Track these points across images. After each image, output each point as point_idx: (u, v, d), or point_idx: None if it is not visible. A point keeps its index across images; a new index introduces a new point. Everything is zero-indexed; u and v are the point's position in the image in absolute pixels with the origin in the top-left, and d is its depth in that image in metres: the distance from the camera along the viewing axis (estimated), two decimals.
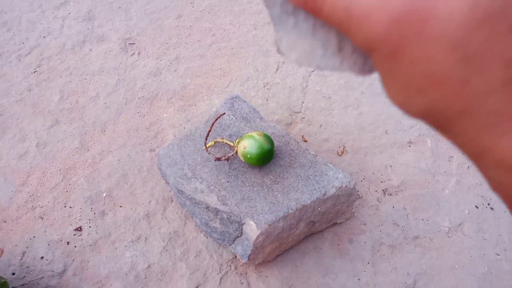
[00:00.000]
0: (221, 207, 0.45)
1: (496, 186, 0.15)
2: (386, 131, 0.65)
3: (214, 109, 0.54)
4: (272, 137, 0.50)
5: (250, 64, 0.72)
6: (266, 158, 0.46)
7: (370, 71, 0.18)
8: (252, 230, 0.44)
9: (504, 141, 0.13)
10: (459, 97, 0.13)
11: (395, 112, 0.67)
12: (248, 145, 0.45)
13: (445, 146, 0.63)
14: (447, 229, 0.56)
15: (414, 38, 0.13)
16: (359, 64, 0.18)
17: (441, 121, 0.15)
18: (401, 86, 0.15)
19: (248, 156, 0.45)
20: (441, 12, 0.13)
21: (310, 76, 0.71)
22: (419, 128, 0.66)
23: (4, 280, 0.43)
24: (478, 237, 0.56)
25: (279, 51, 0.21)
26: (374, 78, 0.72)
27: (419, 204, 0.58)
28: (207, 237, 0.53)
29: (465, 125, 0.14)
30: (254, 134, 0.46)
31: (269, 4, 0.20)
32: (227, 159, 0.46)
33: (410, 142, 0.64)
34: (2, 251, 0.43)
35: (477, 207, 0.58)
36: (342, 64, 0.19)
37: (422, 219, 0.57)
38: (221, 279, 0.51)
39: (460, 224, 0.57)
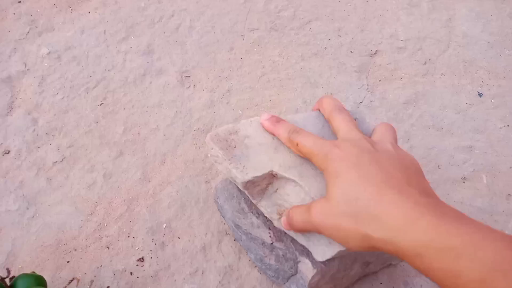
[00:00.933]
0: (277, 244, 0.47)
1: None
2: (438, 166, 0.64)
3: None
4: None
5: (299, 95, 0.74)
6: None
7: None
8: (307, 269, 0.45)
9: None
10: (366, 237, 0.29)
11: (448, 145, 0.67)
12: None
13: (502, 183, 0.62)
14: None
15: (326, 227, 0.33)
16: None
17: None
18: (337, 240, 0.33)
19: None
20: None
21: (358, 107, 0.72)
22: (473, 163, 0.65)
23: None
24: None
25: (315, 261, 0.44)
26: (424, 111, 0.71)
27: None
28: (261, 274, 0.55)
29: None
30: None
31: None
32: None
33: (464, 178, 0.63)
34: (78, 280, 0.47)
35: None
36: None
37: None
38: None
39: None
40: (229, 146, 0.42)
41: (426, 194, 0.29)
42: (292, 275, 0.49)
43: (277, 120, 0.41)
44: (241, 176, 0.40)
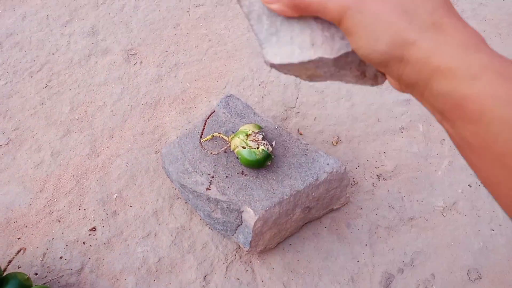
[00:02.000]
0: (221, 197, 0.48)
1: (483, 176, 0.20)
2: (378, 119, 0.67)
3: (211, 109, 0.58)
4: (265, 130, 0.54)
5: (245, 65, 0.75)
6: (255, 165, 0.49)
7: (339, 50, 0.25)
8: (250, 216, 0.47)
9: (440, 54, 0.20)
10: (404, 35, 0.21)
11: (387, 101, 0.70)
12: (241, 149, 0.49)
13: (437, 130, 0.66)
14: (441, 208, 0.59)
15: (371, 1, 0.22)
16: (329, 45, 0.26)
17: (395, 62, 0.22)
18: (364, 39, 0.22)
19: (239, 157, 0.49)
20: None
21: None
22: (410, 114, 0.68)
23: (27, 276, 0.48)
24: (473, 214, 0.58)
25: (266, 62, 0.27)
26: None
27: (413, 186, 0.60)
28: (211, 230, 0.56)
29: (414, 55, 0.21)
30: (248, 129, 0.50)
31: (258, 31, 0.27)
32: (218, 153, 0.50)
33: (402, 128, 0.66)
34: (25, 249, 0.47)
35: (470, 186, 0.60)
36: (316, 53, 0.26)
37: (417, 201, 0.59)
38: (227, 268, 0.54)
39: (454, 203, 0.59)
40: None
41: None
42: (238, 225, 0.50)
43: None
44: None
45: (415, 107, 0.69)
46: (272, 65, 0.28)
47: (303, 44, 0.27)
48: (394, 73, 0.23)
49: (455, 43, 0.21)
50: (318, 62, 0.27)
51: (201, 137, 0.51)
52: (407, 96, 0.71)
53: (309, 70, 0.28)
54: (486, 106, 0.19)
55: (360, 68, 0.28)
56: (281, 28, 0.27)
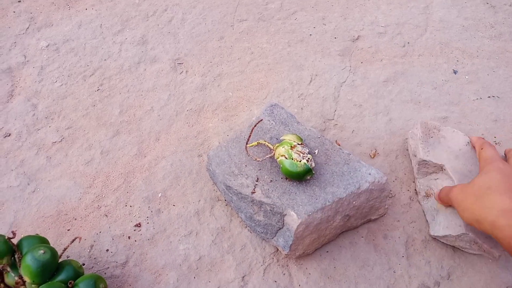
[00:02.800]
0: (265, 200, 0.50)
1: None
2: None
3: (254, 118, 0.61)
4: (307, 140, 0.56)
5: (286, 77, 0.78)
6: (295, 177, 0.51)
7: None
8: (293, 220, 0.49)
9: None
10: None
11: (425, 117, 0.71)
12: (284, 159, 0.51)
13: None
14: None
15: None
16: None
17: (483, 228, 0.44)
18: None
19: (280, 166, 0.51)
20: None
21: (341, 86, 0.76)
22: None
23: (80, 264, 0.51)
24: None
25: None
26: (403, 87, 0.76)
27: None
28: (251, 233, 0.58)
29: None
30: (292, 140, 0.52)
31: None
32: (262, 160, 0.52)
33: None
34: (80, 238, 0.51)
35: None
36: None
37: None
38: (264, 270, 0.56)
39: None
40: (428, 134, 0.60)
41: None
42: (279, 228, 0.52)
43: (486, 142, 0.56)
44: (423, 154, 0.58)
45: (453, 125, 0.70)
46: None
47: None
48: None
49: None
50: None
51: (247, 143, 0.54)
52: (444, 114, 0.72)
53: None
54: None
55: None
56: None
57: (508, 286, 0.54)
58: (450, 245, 0.57)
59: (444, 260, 0.56)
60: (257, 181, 0.52)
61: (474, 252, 0.54)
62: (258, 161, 0.53)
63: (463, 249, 0.55)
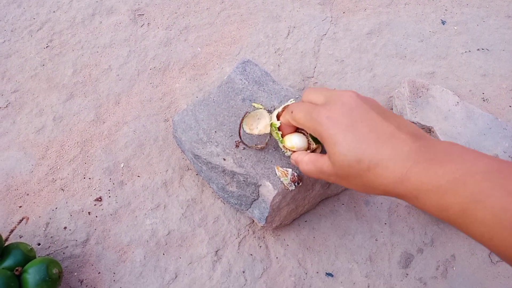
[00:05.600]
0: (238, 170, 0.45)
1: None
2: None
3: (225, 77, 0.54)
4: (284, 101, 0.50)
5: (261, 30, 0.71)
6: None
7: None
8: (268, 191, 0.44)
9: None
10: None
11: (410, 73, 0.66)
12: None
13: None
14: None
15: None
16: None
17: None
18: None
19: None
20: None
21: (322, 40, 0.70)
22: None
23: (30, 247, 0.45)
24: None
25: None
26: (388, 40, 0.70)
27: None
28: (224, 204, 0.54)
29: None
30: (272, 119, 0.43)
31: None
32: (261, 149, 0.46)
33: None
34: (28, 218, 0.45)
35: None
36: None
37: None
38: (239, 243, 0.52)
39: None
40: (416, 93, 0.55)
41: (416, 137, 0.31)
42: (254, 200, 0.47)
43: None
44: (410, 115, 0.53)
45: (440, 81, 0.65)
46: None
47: None
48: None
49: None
50: None
51: (239, 135, 0.46)
52: (431, 69, 0.67)
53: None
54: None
55: None
56: None
57: None
58: None
59: (428, 226, 0.53)
60: (228, 149, 0.46)
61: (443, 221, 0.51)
62: (258, 148, 0.46)
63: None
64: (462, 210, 0.26)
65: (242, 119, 0.45)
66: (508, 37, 0.71)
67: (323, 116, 0.34)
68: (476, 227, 0.26)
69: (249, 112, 0.46)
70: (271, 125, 0.43)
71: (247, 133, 0.45)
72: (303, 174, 0.44)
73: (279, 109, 0.42)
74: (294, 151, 0.41)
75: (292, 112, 0.38)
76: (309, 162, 0.37)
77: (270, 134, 0.44)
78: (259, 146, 0.46)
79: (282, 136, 0.42)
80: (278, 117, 0.42)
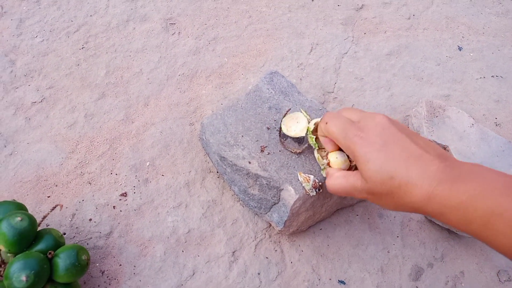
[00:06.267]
0: (262, 173, 0.48)
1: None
2: None
3: (250, 86, 0.57)
4: (309, 111, 0.53)
5: (285, 45, 0.74)
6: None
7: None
8: (290, 195, 0.46)
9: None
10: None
11: (427, 94, 0.68)
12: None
13: None
14: None
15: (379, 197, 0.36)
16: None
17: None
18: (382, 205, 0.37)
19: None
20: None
21: (343, 58, 0.73)
22: None
23: (61, 234, 0.47)
24: None
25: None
26: (406, 61, 0.73)
27: None
28: (243, 207, 0.56)
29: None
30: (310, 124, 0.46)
31: None
32: (299, 152, 0.48)
33: None
34: (61, 206, 0.47)
35: None
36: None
37: None
38: (256, 245, 0.54)
39: None
40: (433, 113, 0.58)
41: (442, 158, 0.34)
42: (274, 204, 0.50)
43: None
44: (427, 134, 0.55)
45: (454, 104, 0.67)
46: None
47: None
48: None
49: None
50: None
51: (280, 135, 0.49)
52: (446, 91, 0.69)
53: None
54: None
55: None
56: None
57: (500, 269, 0.54)
58: (445, 228, 0.56)
59: (438, 242, 0.55)
60: (254, 153, 0.49)
61: (469, 235, 0.53)
62: (297, 153, 0.49)
63: (458, 232, 0.54)
64: (484, 224, 0.29)
65: (284, 116, 0.48)
66: None
67: (358, 136, 0.37)
68: (499, 239, 0.28)
69: (290, 111, 0.49)
70: (307, 130, 0.45)
71: (283, 132, 0.48)
72: (324, 181, 0.46)
73: (318, 119, 0.45)
74: (330, 166, 0.43)
75: (326, 123, 0.41)
76: (340, 176, 0.40)
77: (308, 142, 0.47)
78: (295, 149, 0.48)
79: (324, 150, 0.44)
80: (316, 128, 0.45)
